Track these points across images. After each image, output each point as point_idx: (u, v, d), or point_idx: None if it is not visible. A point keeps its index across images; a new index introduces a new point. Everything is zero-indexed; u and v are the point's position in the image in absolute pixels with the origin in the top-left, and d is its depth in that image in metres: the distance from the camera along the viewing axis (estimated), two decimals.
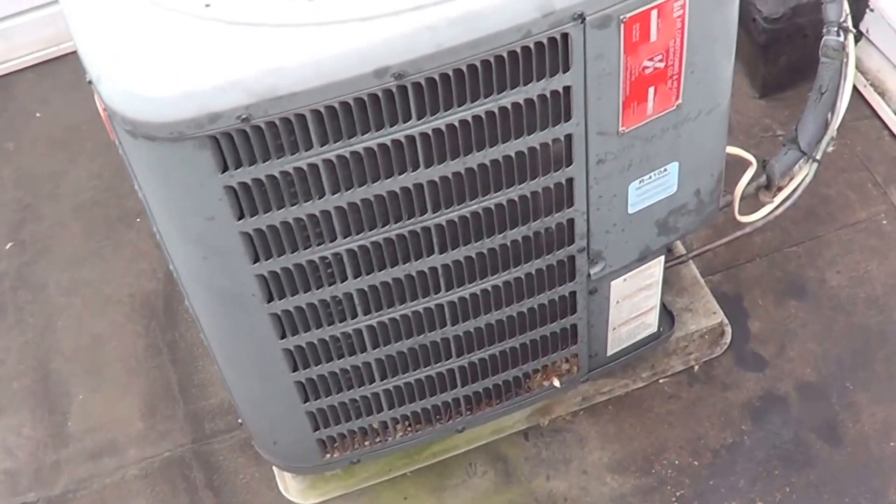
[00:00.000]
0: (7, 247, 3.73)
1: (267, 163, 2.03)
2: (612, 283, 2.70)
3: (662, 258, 2.75)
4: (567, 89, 2.13)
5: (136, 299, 3.55)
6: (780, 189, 2.80)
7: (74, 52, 2.07)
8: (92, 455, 3.25)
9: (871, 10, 3.55)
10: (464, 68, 2.00)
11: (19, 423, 3.34)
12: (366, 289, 2.37)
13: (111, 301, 3.55)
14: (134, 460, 3.22)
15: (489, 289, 2.51)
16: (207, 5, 1.97)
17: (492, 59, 2.00)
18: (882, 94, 3.65)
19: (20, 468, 3.25)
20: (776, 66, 3.64)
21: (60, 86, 4.08)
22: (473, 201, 2.27)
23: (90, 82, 2.01)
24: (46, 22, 4.02)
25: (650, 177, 2.44)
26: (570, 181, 2.33)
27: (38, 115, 4.07)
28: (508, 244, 2.41)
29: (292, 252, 2.22)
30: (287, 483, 3.08)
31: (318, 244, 2.23)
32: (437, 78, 1.99)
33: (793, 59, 3.60)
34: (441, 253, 2.36)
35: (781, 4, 3.46)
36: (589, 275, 2.60)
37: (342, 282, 2.33)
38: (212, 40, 1.94)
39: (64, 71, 4.10)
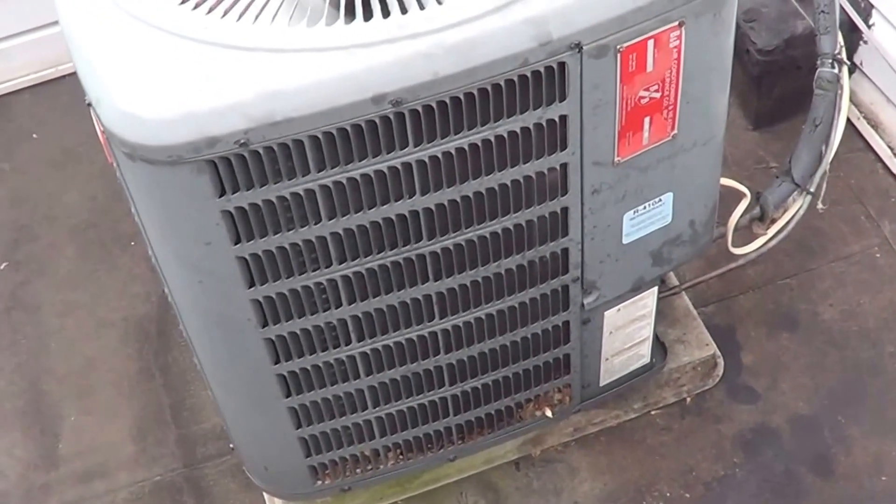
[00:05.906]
0: (1, 267, 3.72)
1: (264, 188, 2.03)
2: (606, 313, 2.70)
3: (656, 289, 2.76)
4: (563, 118, 2.14)
5: (129, 322, 3.54)
6: (773, 221, 2.80)
7: (72, 74, 2.07)
8: (82, 478, 3.24)
9: (865, 43, 3.56)
10: (461, 96, 2.00)
11: (10, 443, 3.33)
12: (360, 315, 2.37)
13: (104, 324, 3.55)
14: (124, 484, 3.21)
15: (483, 317, 2.51)
16: (207, 29, 1.97)
17: (489, 88, 2.01)
18: (875, 127, 3.66)
19: (10, 489, 3.23)
20: (769, 99, 3.65)
21: (58, 107, 4.08)
22: (468, 229, 2.28)
23: (89, 104, 2.02)
24: (45, 43, 4.02)
25: (645, 207, 2.44)
26: (564, 210, 2.34)
27: (34, 136, 4.07)
28: (503, 273, 2.41)
29: (288, 277, 2.22)
30: None
31: (314, 270, 2.23)
32: (434, 105, 1.99)
33: (786, 91, 3.61)
34: (435, 280, 2.36)
35: (775, 36, 3.48)
36: (583, 304, 2.60)
37: (336, 308, 2.33)
38: (211, 64, 1.94)
39: (61, 92, 4.10)
